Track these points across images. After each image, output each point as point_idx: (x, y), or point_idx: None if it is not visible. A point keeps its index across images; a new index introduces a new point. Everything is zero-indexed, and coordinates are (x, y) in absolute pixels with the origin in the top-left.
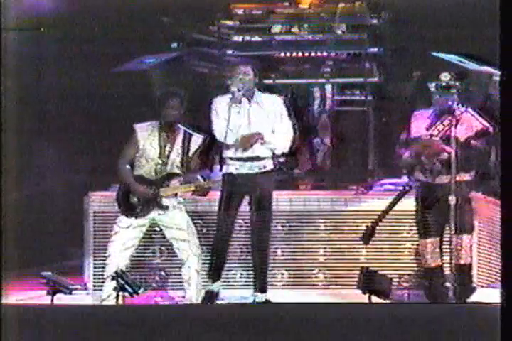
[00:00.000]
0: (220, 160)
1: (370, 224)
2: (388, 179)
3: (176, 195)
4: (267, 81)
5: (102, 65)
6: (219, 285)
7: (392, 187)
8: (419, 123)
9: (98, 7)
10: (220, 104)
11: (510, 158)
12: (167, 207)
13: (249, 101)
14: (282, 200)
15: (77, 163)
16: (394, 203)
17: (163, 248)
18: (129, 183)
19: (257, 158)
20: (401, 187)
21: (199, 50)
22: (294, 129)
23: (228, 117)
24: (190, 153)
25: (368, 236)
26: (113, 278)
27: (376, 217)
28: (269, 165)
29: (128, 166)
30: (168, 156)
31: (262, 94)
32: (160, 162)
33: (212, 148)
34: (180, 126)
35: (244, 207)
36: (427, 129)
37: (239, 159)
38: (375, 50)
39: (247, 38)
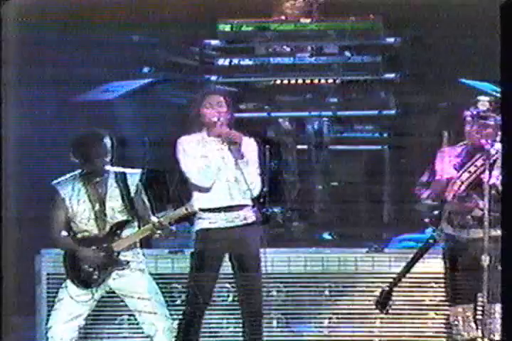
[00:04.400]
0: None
1: (386, 288)
2: (408, 234)
3: (133, 246)
4: (260, 114)
5: (60, 93)
6: None
7: (413, 244)
8: (446, 162)
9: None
10: (189, 144)
11: (510, 158)
12: (127, 263)
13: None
14: (278, 260)
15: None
16: (415, 260)
17: (131, 317)
18: (75, 252)
19: (236, 208)
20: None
21: (176, 75)
22: (261, 181)
23: (202, 155)
24: (132, 194)
25: (383, 302)
26: None
27: (393, 278)
28: (252, 216)
29: (64, 232)
30: (103, 205)
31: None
32: (97, 215)
33: (161, 182)
34: (108, 168)
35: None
36: (457, 170)
37: (213, 210)
38: (392, 76)
39: (235, 61)
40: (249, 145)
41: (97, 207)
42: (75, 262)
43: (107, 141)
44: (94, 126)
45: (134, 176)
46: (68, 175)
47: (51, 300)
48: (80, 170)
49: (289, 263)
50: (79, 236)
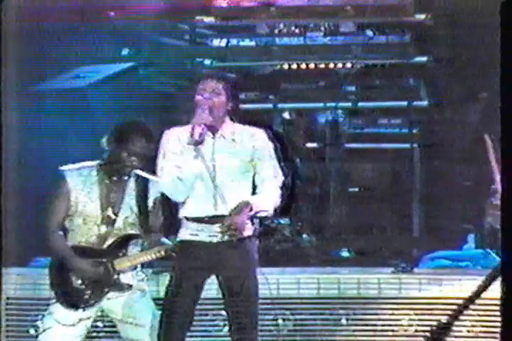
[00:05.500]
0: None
1: (442, 322)
2: (443, 250)
3: (135, 267)
4: (264, 105)
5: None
6: None
7: (449, 263)
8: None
9: None
10: (171, 142)
11: (510, 158)
12: (130, 287)
13: (214, 134)
14: (285, 282)
15: None
16: (484, 288)
17: None
18: (68, 259)
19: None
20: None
21: (162, 58)
22: (283, 177)
23: (181, 162)
24: (149, 205)
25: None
26: None
27: (452, 309)
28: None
29: (60, 232)
30: (116, 212)
31: (235, 124)
32: (103, 221)
33: None
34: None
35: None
36: None
37: (198, 220)
38: (423, 59)
39: (233, 41)
40: (259, 139)
41: (108, 212)
42: (64, 274)
43: (149, 138)
44: (65, 117)
45: (156, 185)
46: (83, 164)
47: (11, 329)
48: (99, 162)
49: (299, 286)
50: (72, 242)
